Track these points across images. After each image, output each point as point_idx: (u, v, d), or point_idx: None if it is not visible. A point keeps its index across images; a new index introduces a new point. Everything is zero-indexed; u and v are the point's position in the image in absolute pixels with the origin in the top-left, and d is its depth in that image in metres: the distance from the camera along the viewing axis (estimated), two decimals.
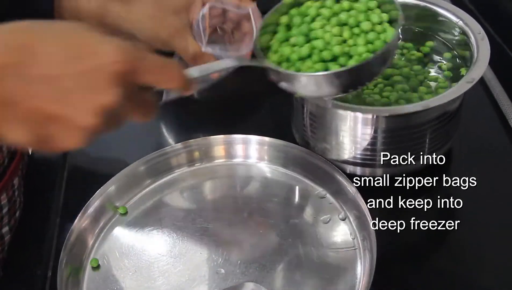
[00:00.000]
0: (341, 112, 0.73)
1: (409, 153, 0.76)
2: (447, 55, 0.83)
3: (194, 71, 0.54)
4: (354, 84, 0.62)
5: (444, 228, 0.77)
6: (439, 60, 0.83)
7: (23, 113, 0.41)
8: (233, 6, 0.65)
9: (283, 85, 0.62)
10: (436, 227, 0.78)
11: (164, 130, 0.93)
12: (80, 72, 0.41)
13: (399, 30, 0.64)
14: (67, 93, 0.41)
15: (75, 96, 0.41)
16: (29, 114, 0.41)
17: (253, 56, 0.65)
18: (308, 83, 0.61)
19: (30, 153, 0.91)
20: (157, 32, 0.65)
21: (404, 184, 0.79)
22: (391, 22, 0.65)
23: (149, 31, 0.65)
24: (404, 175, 0.79)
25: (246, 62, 0.62)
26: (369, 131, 0.74)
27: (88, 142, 0.44)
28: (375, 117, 0.72)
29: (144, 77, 0.44)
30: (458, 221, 0.78)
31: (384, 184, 0.79)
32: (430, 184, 0.81)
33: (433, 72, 0.82)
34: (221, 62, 0.59)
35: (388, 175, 0.78)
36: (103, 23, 0.67)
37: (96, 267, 0.70)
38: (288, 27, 0.67)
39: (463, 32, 0.79)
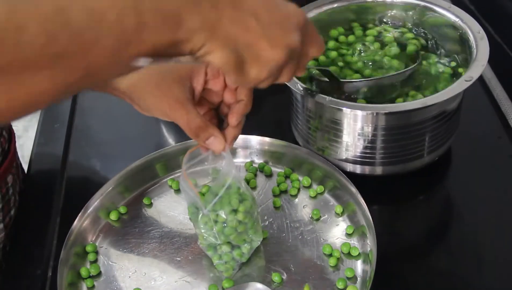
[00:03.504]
0: (341, 110, 0.73)
1: (408, 151, 0.76)
2: (447, 54, 0.83)
3: None
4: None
5: (444, 228, 0.77)
6: (438, 59, 0.83)
7: (232, 36, 0.48)
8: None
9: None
10: (436, 227, 0.78)
11: (164, 130, 0.93)
12: (277, 15, 0.50)
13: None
14: (266, 28, 0.49)
15: (272, 31, 0.50)
16: (236, 37, 0.48)
17: None
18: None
19: (30, 153, 0.91)
20: (159, 102, 0.64)
21: (403, 183, 0.80)
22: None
23: (152, 100, 0.65)
24: (403, 173, 0.79)
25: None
26: (368, 129, 0.74)
27: (269, 78, 0.52)
28: (374, 114, 0.72)
29: (308, 34, 0.54)
30: (458, 221, 0.78)
31: (384, 183, 0.79)
32: (430, 183, 0.82)
33: (432, 72, 0.82)
34: None
35: (387, 173, 0.78)
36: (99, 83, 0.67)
37: (96, 267, 0.70)
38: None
39: (463, 32, 0.80)
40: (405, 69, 0.78)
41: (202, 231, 0.67)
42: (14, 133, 0.87)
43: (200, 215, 0.66)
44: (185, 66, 0.66)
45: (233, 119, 0.64)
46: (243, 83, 0.53)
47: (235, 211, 0.65)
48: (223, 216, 0.65)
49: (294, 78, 0.75)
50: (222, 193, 0.65)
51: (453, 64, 0.80)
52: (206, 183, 0.74)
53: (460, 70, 0.79)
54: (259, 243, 0.70)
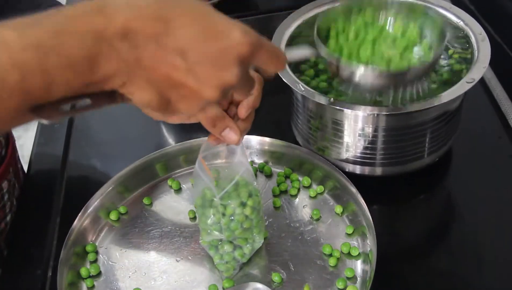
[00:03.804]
0: (341, 110, 0.73)
1: (409, 152, 0.76)
2: (448, 55, 0.83)
3: (289, 55, 0.62)
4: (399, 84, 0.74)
5: (444, 228, 0.77)
6: (439, 60, 0.83)
7: (153, 77, 0.45)
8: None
9: (344, 75, 0.71)
10: (436, 227, 0.78)
11: (164, 130, 0.93)
12: (210, 50, 0.45)
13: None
14: (195, 66, 0.45)
15: (202, 70, 0.46)
16: (158, 78, 0.45)
17: None
18: (372, 76, 0.71)
19: (30, 153, 0.91)
20: None
21: (404, 183, 0.80)
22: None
23: None
24: (404, 174, 0.79)
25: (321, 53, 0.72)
26: (369, 129, 0.74)
27: (202, 110, 0.49)
28: (375, 115, 0.72)
29: (259, 59, 0.49)
30: (458, 221, 0.78)
31: (384, 183, 0.79)
32: (430, 183, 0.81)
33: (433, 73, 0.82)
34: (300, 51, 0.66)
35: (387, 174, 0.78)
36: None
37: (96, 267, 0.70)
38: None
39: (464, 33, 0.79)
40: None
41: (209, 222, 0.67)
42: (12, 138, 0.86)
43: (215, 209, 0.66)
44: None
45: (243, 111, 0.64)
46: (171, 119, 0.52)
47: (243, 204, 0.66)
48: (232, 206, 0.66)
49: (295, 78, 0.75)
50: (235, 181, 0.66)
51: (445, 75, 0.80)
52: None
53: (457, 66, 0.79)
54: (261, 244, 0.70)
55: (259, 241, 0.70)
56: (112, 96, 0.47)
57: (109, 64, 0.43)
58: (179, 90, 0.46)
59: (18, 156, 0.91)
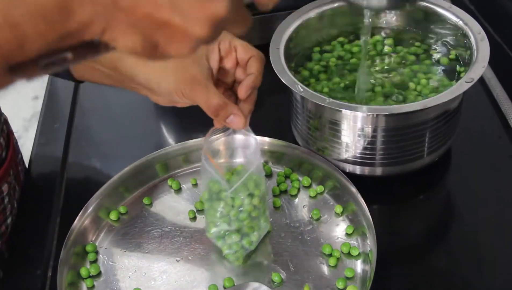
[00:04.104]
0: (341, 111, 0.73)
1: (408, 152, 0.76)
2: (447, 55, 0.83)
3: None
4: None
5: (444, 228, 0.77)
6: (439, 60, 0.83)
7: (136, 18, 0.41)
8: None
9: None
10: (435, 227, 0.78)
11: (164, 130, 0.93)
12: None
13: None
14: (180, 2, 0.41)
15: (189, 4, 0.41)
16: (142, 19, 0.41)
17: None
18: None
19: (30, 154, 0.91)
20: (178, 84, 0.63)
21: (403, 183, 0.80)
22: None
23: (171, 83, 0.63)
24: (403, 174, 0.79)
25: None
26: (368, 130, 0.74)
27: (193, 51, 0.44)
28: (374, 116, 0.72)
29: None
30: (458, 221, 0.78)
31: (384, 183, 0.79)
32: (430, 183, 0.81)
33: (433, 72, 0.82)
34: None
35: (387, 174, 0.78)
36: (117, 71, 0.66)
37: (96, 267, 0.70)
38: None
39: (463, 33, 0.80)
40: None
41: (217, 215, 0.67)
42: (13, 141, 0.86)
43: (223, 202, 0.67)
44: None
45: (242, 91, 0.63)
46: (162, 60, 0.45)
47: (251, 195, 0.67)
48: (241, 198, 0.66)
49: (294, 79, 0.75)
50: (246, 176, 0.66)
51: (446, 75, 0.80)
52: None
53: (462, 70, 0.79)
54: (267, 230, 0.71)
55: (265, 228, 0.70)
56: (95, 46, 0.43)
57: (83, 9, 0.40)
58: (165, 31, 0.42)
59: (21, 157, 0.91)
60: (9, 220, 0.81)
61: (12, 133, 0.88)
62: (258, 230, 0.70)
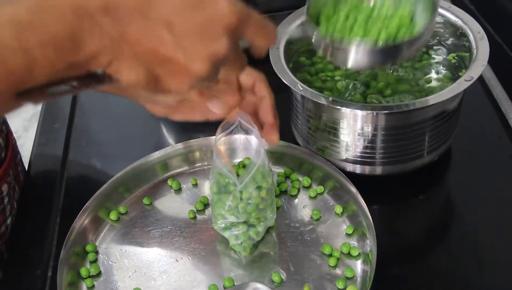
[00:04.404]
0: (340, 110, 0.73)
1: (408, 151, 0.76)
2: (447, 54, 0.83)
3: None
4: (392, 58, 0.72)
5: (444, 228, 0.77)
6: (438, 60, 0.83)
7: (139, 53, 0.43)
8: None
9: (331, 57, 0.70)
10: (435, 227, 0.78)
11: (164, 130, 0.93)
12: (196, 20, 0.43)
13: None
14: (182, 39, 0.43)
15: (190, 42, 0.43)
16: (146, 53, 0.43)
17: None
18: (359, 53, 0.68)
19: (30, 154, 0.91)
20: None
21: (403, 183, 0.80)
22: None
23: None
24: (403, 173, 0.79)
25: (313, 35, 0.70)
26: (368, 128, 0.74)
27: (192, 87, 0.46)
28: (374, 114, 0.72)
29: (248, 31, 0.47)
30: (458, 221, 0.78)
31: (384, 183, 0.79)
32: (430, 182, 0.82)
33: (432, 72, 0.82)
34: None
35: (387, 173, 0.78)
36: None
37: (96, 267, 0.70)
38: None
39: (463, 32, 0.80)
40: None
41: (226, 208, 0.68)
42: (12, 141, 0.86)
43: (232, 193, 0.67)
44: None
45: (269, 117, 0.65)
46: (176, 115, 0.50)
47: (259, 188, 0.68)
48: (250, 191, 0.67)
49: (294, 78, 0.75)
50: (254, 171, 0.67)
51: (447, 74, 0.80)
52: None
53: (462, 70, 0.79)
54: (273, 220, 0.72)
55: (271, 218, 0.71)
56: (100, 77, 0.45)
57: (92, 41, 0.42)
58: (167, 66, 0.44)
59: (20, 158, 0.91)
60: (8, 221, 0.81)
61: (12, 134, 0.88)
62: (264, 220, 0.70)
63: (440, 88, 0.78)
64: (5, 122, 0.85)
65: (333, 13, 0.74)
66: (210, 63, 0.45)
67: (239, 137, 0.71)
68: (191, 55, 0.44)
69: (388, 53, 0.69)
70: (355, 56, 0.68)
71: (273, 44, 0.51)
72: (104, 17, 0.42)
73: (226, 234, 0.70)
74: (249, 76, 0.66)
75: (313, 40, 0.70)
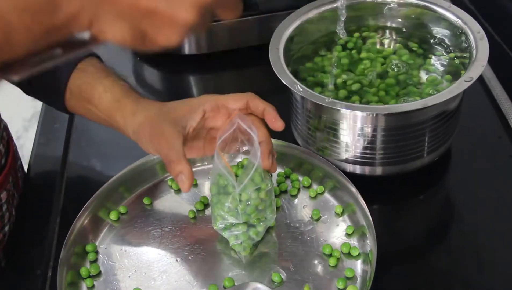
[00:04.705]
0: (340, 110, 0.73)
1: (408, 151, 0.76)
2: (447, 54, 0.83)
3: None
4: None
5: (444, 228, 0.77)
6: (438, 60, 0.83)
7: (123, 8, 0.41)
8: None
9: None
10: (435, 227, 0.78)
11: None
12: None
13: None
14: None
15: None
16: (128, 9, 0.41)
17: None
18: None
19: (30, 154, 0.91)
20: (152, 140, 0.66)
21: (403, 183, 0.80)
22: None
23: (147, 141, 0.67)
24: (403, 174, 0.79)
25: None
26: (368, 129, 0.74)
27: (183, 38, 0.44)
28: (374, 115, 0.72)
29: None
30: (458, 221, 0.78)
31: (384, 183, 0.79)
32: (430, 183, 0.82)
33: (432, 73, 0.82)
34: None
35: (387, 174, 0.78)
36: (112, 119, 0.71)
37: (96, 267, 0.70)
38: None
39: (462, 32, 0.80)
40: None
41: (225, 209, 0.68)
42: (13, 147, 0.86)
43: (231, 195, 0.68)
44: (182, 108, 0.68)
45: (278, 124, 0.68)
46: (153, 50, 0.45)
47: (258, 189, 0.68)
48: (249, 193, 0.67)
49: (294, 79, 0.75)
50: (252, 173, 0.67)
51: (447, 77, 0.80)
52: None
53: (461, 70, 0.79)
54: (273, 221, 0.71)
55: (271, 218, 0.71)
56: (83, 40, 0.43)
57: (70, 1, 0.40)
58: (152, 19, 0.42)
59: (21, 163, 0.91)
60: (6, 228, 0.81)
61: (12, 140, 0.87)
62: (264, 220, 0.70)
63: (440, 88, 0.78)
64: (6, 128, 0.85)
65: None
66: (196, 9, 0.42)
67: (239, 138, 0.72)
68: (175, 4, 0.42)
69: None
70: None
71: None
72: None
73: (226, 234, 0.70)
74: (239, 101, 0.68)
75: None
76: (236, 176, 0.70)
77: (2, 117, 0.84)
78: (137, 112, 0.68)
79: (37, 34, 0.40)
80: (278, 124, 0.68)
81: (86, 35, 0.43)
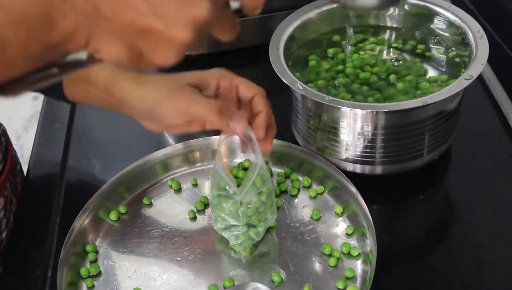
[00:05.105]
0: (341, 108, 0.73)
1: (408, 150, 0.76)
2: (446, 54, 0.83)
3: None
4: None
5: (444, 228, 0.77)
6: (438, 59, 0.83)
7: (117, 27, 0.41)
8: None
9: None
10: (435, 227, 0.78)
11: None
12: None
13: None
14: (160, 7, 0.41)
15: (169, 9, 0.41)
16: (124, 27, 0.41)
17: None
18: None
19: (30, 154, 0.91)
20: (177, 104, 0.62)
21: (403, 182, 0.80)
22: None
23: (170, 107, 0.63)
24: (403, 173, 0.79)
25: None
26: (368, 127, 0.74)
27: (179, 57, 0.44)
28: (374, 113, 0.72)
29: None
30: (458, 221, 0.78)
31: (384, 183, 0.79)
32: (430, 182, 0.82)
33: (432, 72, 0.82)
34: None
35: (387, 173, 0.78)
36: (109, 94, 0.66)
37: (96, 267, 0.70)
38: None
39: (462, 31, 0.80)
40: None
41: (226, 212, 0.68)
42: (11, 152, 0.85)
43: (232, 200, 0.67)
44: (194, 76, 0.65)
45: (260, 132, 0.65)
46: (149, 70, 0.45)
47: (259, 192, 0.68)
48: (250, 197, 0.67)
49: (294, 78, 0.75)
50: (254, 179, 0.67)
51: (445, 76, 0.80)
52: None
53: (461, 69, 0.79)
54: (273, 221, 0.72)
55: (271, 219, 0.71)
56: (80, 59, 0.43)
57: (66, 19, 0.40)
58: (148, 38, 0.42)
59: (20, 168, 0.90)
60: (4, 234, 0.80)
61: (11, 145, 0.87)
62: (265, 221, 0.70)
63: (440, 87, 0.78)
64: (4, 134, 0.85)
65: None
66: (192, 28, 0.42)
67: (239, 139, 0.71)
68: (171, 23, 0.41)
69: None
70: None
71: (264, 2, 0.48)
72: None
73: (226, 234, 0.70)
74: (250, 90, 0.67)
75: None
76: (237, 177, 0.69)
77: (2, 117, 0.84)
78: (142, 84, 0.65)
79: (33, 51, 0.40)
80: (260, 134, 0.65)
81: (82, 54, 0.43)
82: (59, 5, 0.40)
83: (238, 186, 0.67)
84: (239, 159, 0.77)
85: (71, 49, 0.42)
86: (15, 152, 0.89)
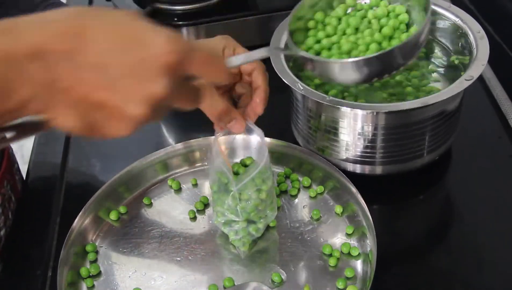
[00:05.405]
0: (340, 109, 0.73)
1: (409, 150, 0.76)
2: (447, 54, 0.83)
3: (235, 61, 0.58)
4: (380, 72, 0.65)
5: (444, 228, 0.77)
6: (438, 60, 0.83)
7: (72, 99, 0.41)
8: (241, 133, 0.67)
9: (316, 73, 0.66)
10: (435, 227, 0.78)
11: (164, 130, 0.93)
12: (130, 61, 0.41)
13: (425, 24, 0.66)
14: (116, 82, 0.41)
15: (124, 85, 0.41)
16: (78, 100, 0.41)
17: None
18: (343, 69, 0.64)
19: (30, 153, 0.91)
20: None
21: (403, 182, 0.80)
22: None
23: None
24: (404, 173, 0.79)
25: (281, 51, 0.71)
26: (368, 128, 0.74)
27: (134, 131, 0.44)
28: (374, 113, 0.72)
29: (191, 68, 0.44)
30: (458, 221, 0.78)
31: (384, 183, 0.79)
32: (430, 182, 0.82)
33: (432, 72, 0.82)
34: (258, 52, 0.61)
35: (387, 173, 0.78)
36: None
37: (96, 267, 0.70)
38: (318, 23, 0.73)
39: (463, 32, 0.80)
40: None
41: (225, 207, 0.69)
42: (8, 151, 0.85)
43: (231, 193, 0.68)
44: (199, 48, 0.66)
45: (259, 109, 0.66)
46: (103, 139, 0.45)
47: (259, 190, 0.68)
48: (249, 193, 0.68)
49: (294, 78, 0.75)
50: (254, 175, 0.67)
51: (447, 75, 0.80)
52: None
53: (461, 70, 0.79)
54: (273, 218, 0.72)
55: (271, 216, 0.71)
56: (35, 124, 0.44)
57: (22, 89, 0.40)
58: (103, 111, 0.42)
59: (18, 167, 0.90)
60: (2, 232, 0.81)
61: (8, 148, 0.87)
62: (265, 217, 0.71)
63: (440, 88, 0.78)
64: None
65: (322, 21, 0.73)
66: (148, 105, 0.42)
67: (240, 137, 0.72)
68: (126, 98, 0.41)
69: (382, 61, 0.64)
70: (344, 71, 0.64)
71: (222, 81, 0.48)
72: (33, 64, 0.40)
73: (226, 229, 0.71)
74: (249, 65, 0.66)
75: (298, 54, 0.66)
76: (237, 174, 0.69)
77: None
78: None
79: None
80: (259, 109, 0.66)
81: (38, 119, 0.43)
82: (16, 74, 0.39)
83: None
84: (239, 157, 0.77)
85: (26, 115, 0.42)
86: (12, 151, 0.89)
